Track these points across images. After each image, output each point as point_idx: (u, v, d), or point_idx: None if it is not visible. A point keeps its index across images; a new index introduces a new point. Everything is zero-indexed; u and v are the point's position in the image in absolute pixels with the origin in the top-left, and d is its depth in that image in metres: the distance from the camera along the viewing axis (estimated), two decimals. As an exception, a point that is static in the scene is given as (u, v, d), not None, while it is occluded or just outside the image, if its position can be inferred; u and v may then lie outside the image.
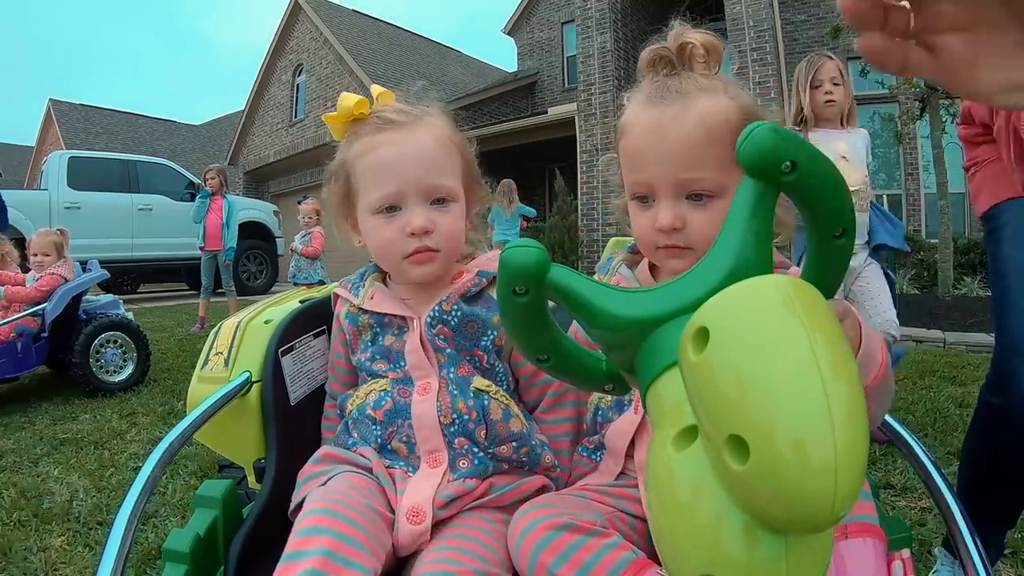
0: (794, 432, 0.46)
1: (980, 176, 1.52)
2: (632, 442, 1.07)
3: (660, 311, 0.64)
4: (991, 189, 1.47)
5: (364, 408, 1.14)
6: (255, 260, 13.21)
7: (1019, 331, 1.34)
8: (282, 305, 1.34)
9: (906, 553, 0.93)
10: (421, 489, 1.04)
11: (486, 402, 1.12)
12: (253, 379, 1.20)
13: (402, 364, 1.17)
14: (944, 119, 8.31)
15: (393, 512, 1.03)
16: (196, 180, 12.45)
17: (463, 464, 1.09)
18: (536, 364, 0.73)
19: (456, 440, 1.10)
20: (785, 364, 0.49)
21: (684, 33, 1.03)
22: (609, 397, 1.12)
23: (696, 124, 0.95)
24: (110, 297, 5.23)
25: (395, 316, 1.19)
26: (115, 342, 4.84)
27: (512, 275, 0.65)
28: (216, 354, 1.24)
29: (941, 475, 0.98)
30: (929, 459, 1.00)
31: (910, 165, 12.50)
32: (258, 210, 13.60)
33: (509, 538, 0.96)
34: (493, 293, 1.16)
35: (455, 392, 1.12)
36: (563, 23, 18.60)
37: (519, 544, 0.92)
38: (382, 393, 1.14)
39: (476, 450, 1.10)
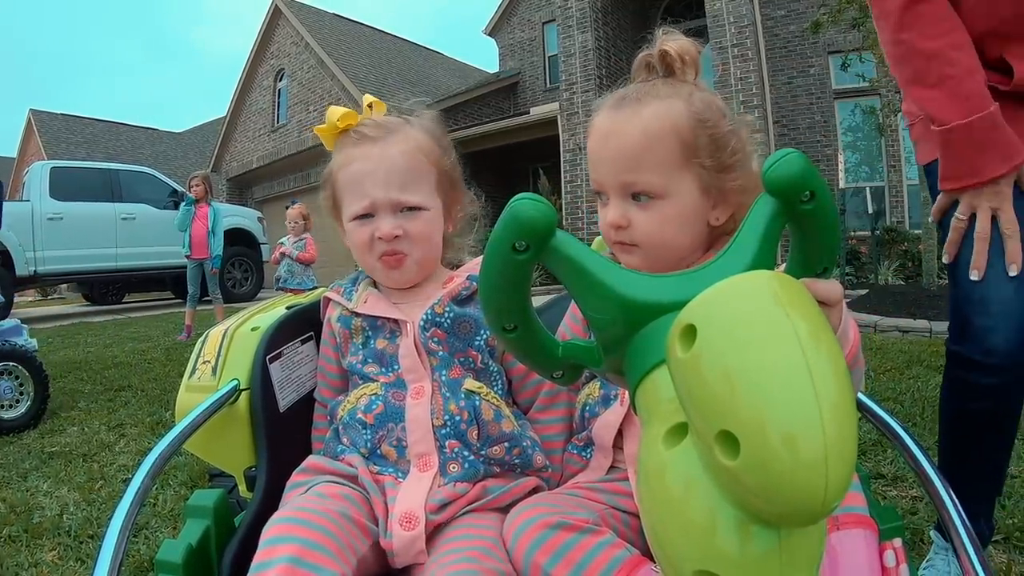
0: (784, 426, 0.46)
1: (923, 125, 1.52)
2: (620, 434, 1.09)
3: (666, 299, 0.64)
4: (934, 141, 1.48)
5: (354, 412, 1.14)
6: (240, 267, 13.14)
7: (970, 281, 1.40)
8: (269, 312, 1.34)
9: (898, 542, 0.93)
10: (413, 495, 1.04)
11: (477, 403, 1.13)
12: (241, 387, 1.19)
13: (395, 367, 1.18)
14: None
15: (375, 521, 1.02)
16: (180, 188, 12.37)
17: (453, 468, 1.09)
18: (500, 335, 0.72)
19: (447, 443, 1.10)
20: (773, 359, 0.49)
21: (663, 41, 1.09)
22: (597, 393, 1.15)
23: (639, 130, 1.01)
24: (13, 322, 4.63)
25: (388, 319, 1.21)
26: (9, 373, 4.17)
27: (518, 228, 0.63)
28: (204, 363, 1.24)
29: (931, 463, 0.99)
30: (919, 448, 1.01)
31: (892, 157, 12.59)
32: (242, 217, 13.51)
33: (503, 538, 0.96)
34: None
35: (447, 394, 1.14)
36: (544, 23, 18.61)
37: (513, 544, 0.93)
38: (373, 397, 1.14)
39: (467, 453, 1.10)
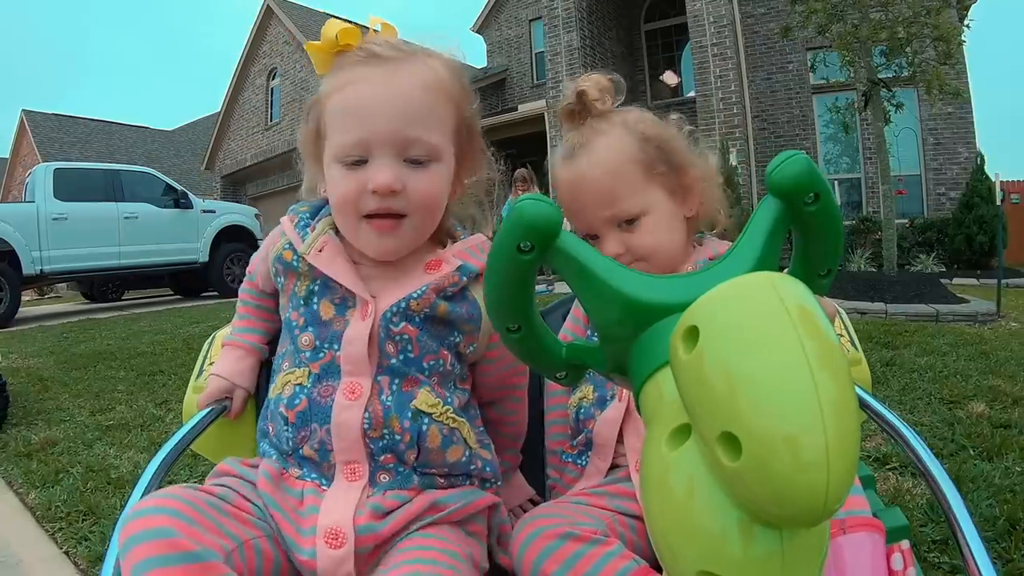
0: (785, 427, 0.47)
1: None
2: (619, 430, 1.09)
3: (670, 300, 0.63)
4: None
5: (278, 402, 1.00)
6: (239, 263, 13.09)
7: None
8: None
9: (905, 544, 0.92)
10: (339, 508, 0.92)
11: (424, 427, 0.97)
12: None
13: (335, 347, 0.99)
14: (888, 110, 8.82)
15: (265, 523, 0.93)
16: (177, 186, 12.35)
17: (384, 478, 0.96)
18: (504, 334, 0.71)
19: (382, 457, 0.96)
20: (774, 360, 0.49)
21: (577, 86, 1.19)
22: (591, 396, 1.14)
23: (600, 169, 1.12)
24: None
25: (344, 288, 1.01)
26: None
27: (524, 229, 0.63)
28: (210, 364, 1.23)
29: (935, 463, 0.96)
30: (924, 448, 0.98)
31: (869, 150, 12.61)
32: (240, 214, 13.51)
33: (511, 548, 0.94)
34: (474, 293, 1.04)
35: (390, 405, 0.97)
36: (531, 20, 18.56)
37: (521, 554, 0.91)
38: (297, 388, 0.99)
39: (402, 468, 0.97)
